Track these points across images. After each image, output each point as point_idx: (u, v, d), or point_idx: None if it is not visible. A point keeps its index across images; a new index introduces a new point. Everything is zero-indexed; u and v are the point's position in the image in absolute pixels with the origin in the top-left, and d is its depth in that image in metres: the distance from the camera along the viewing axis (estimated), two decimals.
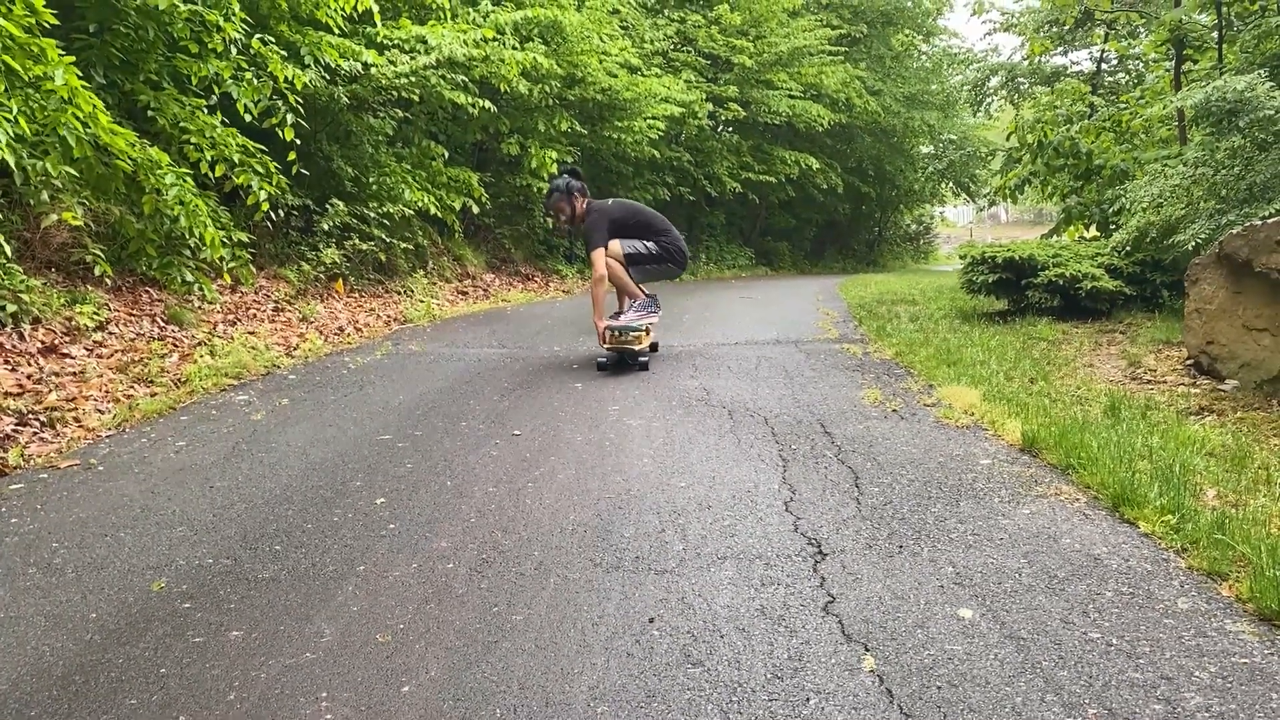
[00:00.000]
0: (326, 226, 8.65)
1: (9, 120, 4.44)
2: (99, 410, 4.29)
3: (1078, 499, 2.84)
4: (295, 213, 8.52)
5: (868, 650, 1.94)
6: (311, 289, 8.18)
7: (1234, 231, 4.31)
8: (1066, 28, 14.18)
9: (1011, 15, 16.30)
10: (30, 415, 4.07)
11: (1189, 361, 4.73)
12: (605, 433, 3.85)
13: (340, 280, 8.60)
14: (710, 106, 16.07)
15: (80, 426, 4.07)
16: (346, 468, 3.39)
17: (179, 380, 4.88)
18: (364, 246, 8.83)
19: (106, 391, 4.54)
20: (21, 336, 4.83)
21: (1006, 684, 1.78)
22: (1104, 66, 16.41)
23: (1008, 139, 9.91)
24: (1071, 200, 9.21)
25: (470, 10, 11.03)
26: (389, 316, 8.30)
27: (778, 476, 3.16)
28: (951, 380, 4.58)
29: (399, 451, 3.61)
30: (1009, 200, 10.27)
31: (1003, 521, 2.67)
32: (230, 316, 6.57)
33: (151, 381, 4.78)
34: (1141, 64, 13.61)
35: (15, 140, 4.57)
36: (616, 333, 5.31)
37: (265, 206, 6.74)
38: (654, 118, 13.85)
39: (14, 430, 3.89)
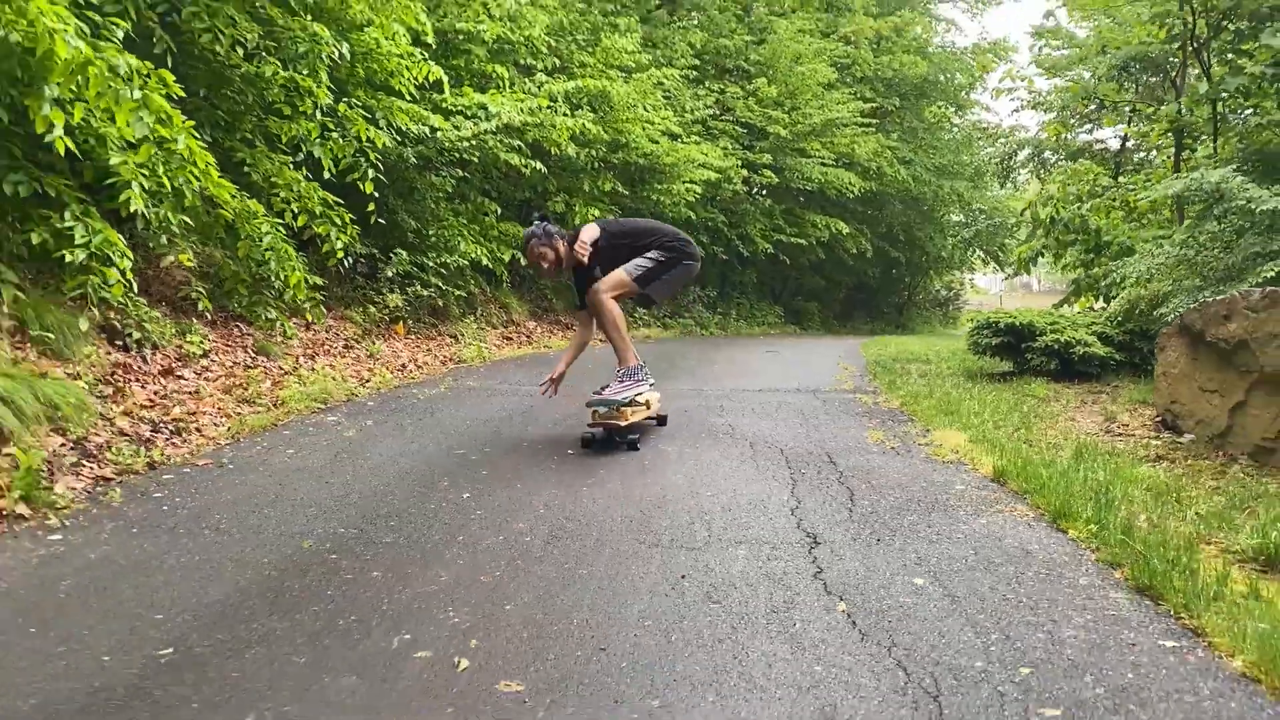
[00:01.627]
0: (391, 274, 9.55)
1: (145, 176, 5.35)
2: (214, 423, 5.11)
3: (1027, 514, 3.55)
4: (362, 260, 9.42)
5: (841, 600, 2.66)
6: (375, 330, 9.04)
7: (1192, 306, 5.04)
8: (1091, 107, 14.99)
9: (1038, 94, 17.20)
10: (160, 424, 4.89)
11: (1157, 418, 5.43)
12: (644, 455, 4.61)
13: (401, 323, 9.47)
14: (745, 172, 16.99)
15: (202, 435, 4.88)
16: (433, 473, 4.17)
17: (276, 402, 5.70)
18: (424, 293, 9.72)
19: (218, 408, 5.36)
20: (145, 360, 5.68)
21: (938, 621, 2.50)
22: (1129, 144, 17.20)
23: (1022, 214, 10.68)
24: (1080, 273, 9.94)
25: (526, 80, 12.03)
26: (445, 357, 9.14)
27: (787, 491, 3.89)
28: (946, 426, 5.31)
29: (474, 462, 4.38)
30: (1025, 271, 11.01)
31: (962, 527, 3.39)
32: (309, 351, 7.41)
33: (253, 402, 5.60)
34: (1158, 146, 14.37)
35: (145, 192, 5.47)
36: (600, 408, 4.79)
37: (341, 254, 7.65)
38: (692, 181, 14.76)
39: (151, 435, 4.70)
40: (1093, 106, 12.30)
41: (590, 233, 4.79)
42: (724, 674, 2.19)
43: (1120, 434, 5.28)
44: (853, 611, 2.57)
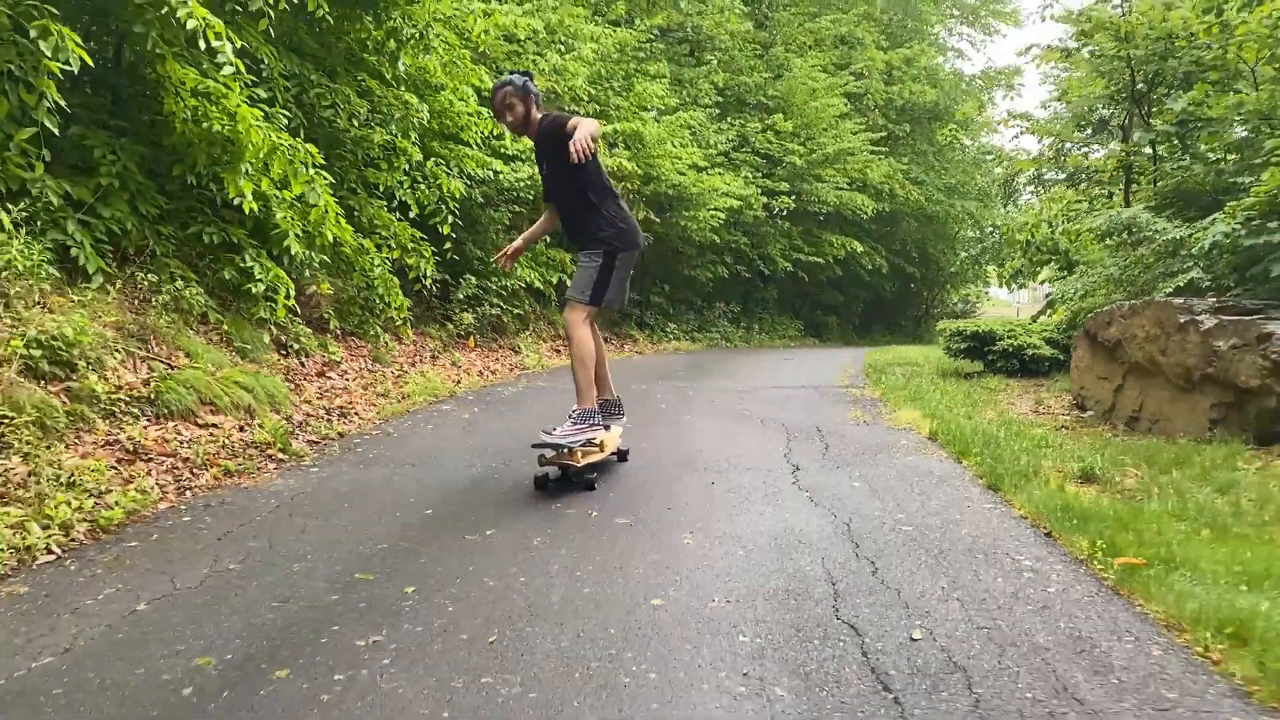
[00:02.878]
0: (462, 296, 11.51)
1: (301, 231, 7.33)
2: (365, 410, 7.04)
3: (941, 455, 5.40)
4: (437, 285, 11.38)
5: (807, 491, 4.52)
6: (451, 343, 10.98)
7: (1090, 315, 6.86)
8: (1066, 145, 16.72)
9: (1036, 121, 18.98)
10: (330, 410, 6.82)
11: (1073, 402, 7.25)
12: (682, 428, 6.49)
13: (471, 338, 11.41)
14: (765, 199, 18.90)
15: (360, 418, 6.80)
16: (534, 436, 6.05)
17: (402, 396, 7.63)
18: (491, 312, 11.67)
19: (364, 400, 7.30)
20: (303, 364, 7.63)
21: (861, 499, 4.35)
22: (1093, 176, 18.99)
23: (1001, 238, 12.49)
24: (1056, 287, 11.75)
25: None
26: (511, 365, 11.07)
27: (784, 446, 5.75)
28: (909, 408, 7.15)
29: None
30: (1008, 288, 12.81)
31: (895, 461, 5.24)
32: (409, 360, 9.36)
33: (386, 395, 7.54)
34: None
35: (299, 237, 7.43)
36: (546, 452, 4.72)
37: (429, 280, 9.63)
38: (715, 209, 16.68)
39: (327, 416, 6.63)
40: (1067, 145, 14.09)
41: (593, 127, 4.28)
42: (738, 516, 4.05)
43: (1044, 413, 7.11)
44: (813, 496, 4.43)
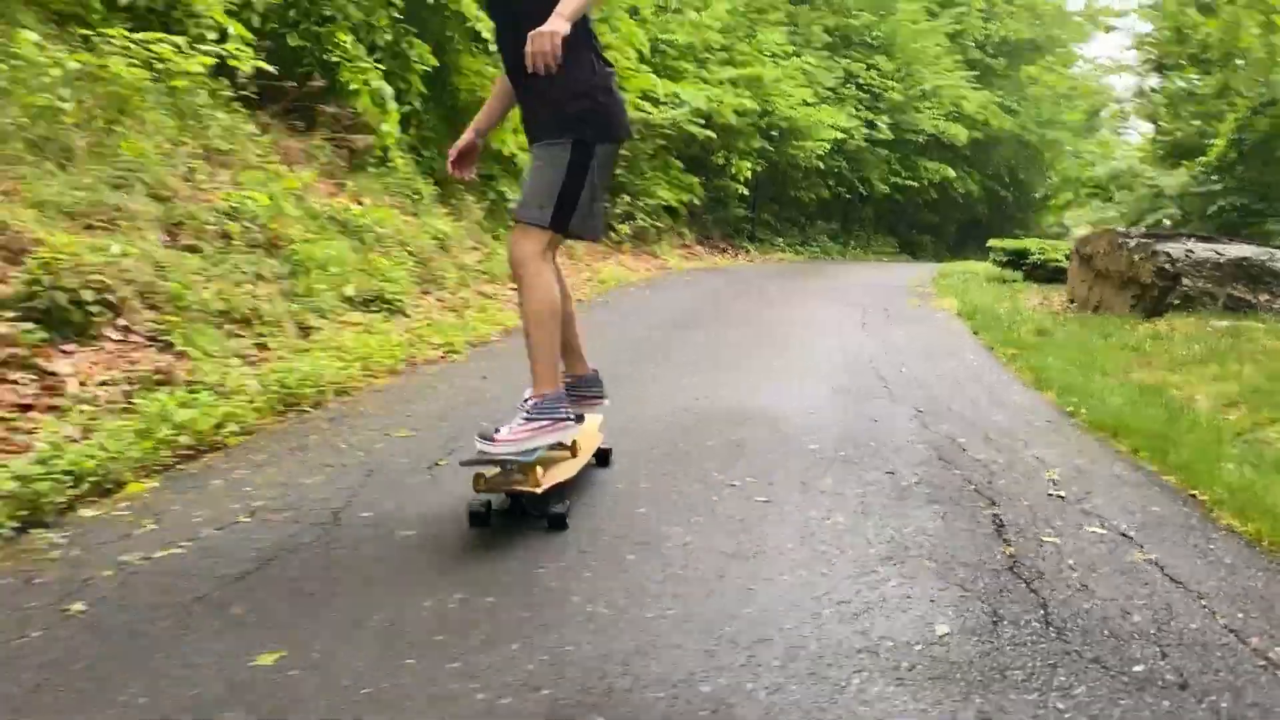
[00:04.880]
0: (618, 212, 15.23)
1: None
2: (584, 288, 10.83)
3: (960, 324, 8.93)
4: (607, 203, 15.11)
5: (868, 335, 8.16)
6: (613, 250, 14.74)
7: (1078, 238, 10.26)
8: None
9: (1118, 62, 21.64)
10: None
11: (1069, 299, 10.67)
12: (790, 304, 10.13)
13: (625, 244, 15.16)
14: (866, 130, 22.09)
15: (584, 292, 10.60)
16: (700, 308, 9.77)
17: (602, 281, 11.41)
18: (641, 224, 15.41)
19: (583, 282, 11.09)
20: None
21: (902, 338, 7.95)
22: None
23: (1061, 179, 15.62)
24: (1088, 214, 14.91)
25: (703, 70, 17.46)
26: (655, 266, 14.81)
27: (859, 315, 9.35)
28: (949, 297, 10.66)
29: (714, 306, 9.98)
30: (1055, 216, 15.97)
31: (927, 322, 8.81)
32: (593, 261, 13.15)
33: (592, 280, 11.32)
34: None
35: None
36: (485, 471, 3.06)
37: None
38: (822, 139, 19.99)
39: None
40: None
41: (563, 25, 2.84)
42: (830, 340, 7.71)
43: (1044, 304, 10.57)
44: (871, 336, 8.05)
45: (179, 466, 3.57)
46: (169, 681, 2.03)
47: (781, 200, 21.97)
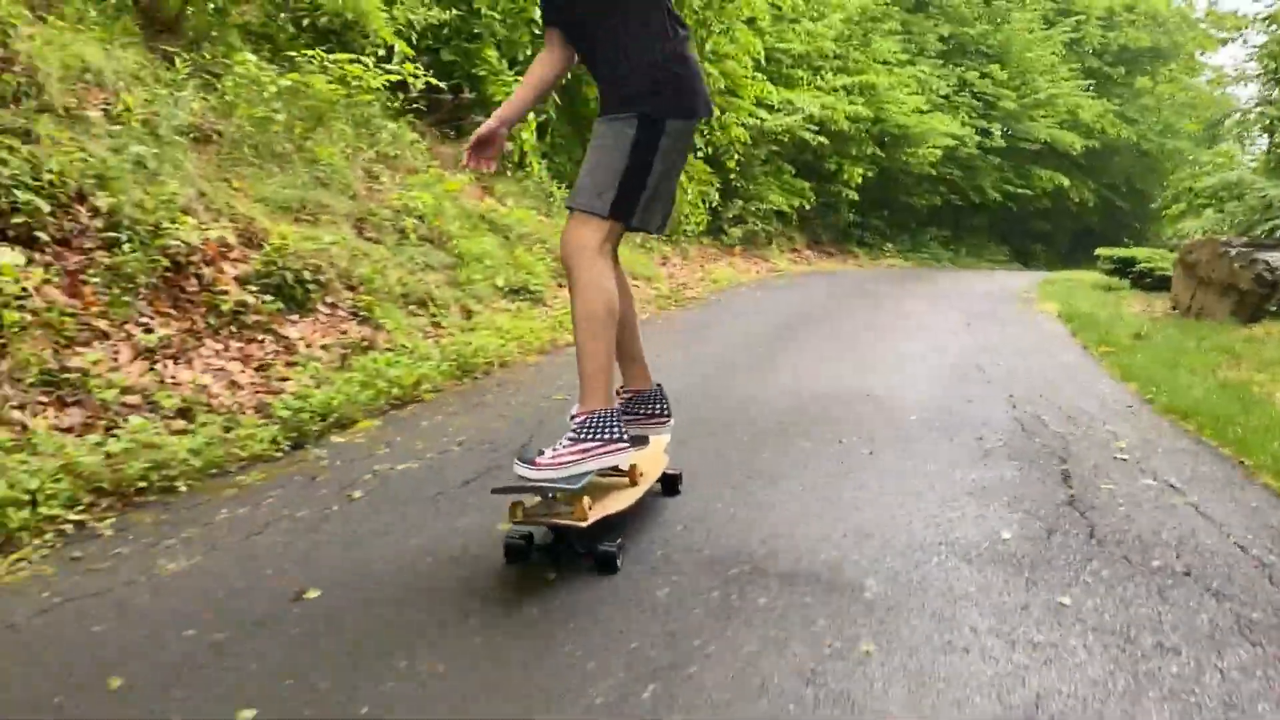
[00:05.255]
0: (730, 215, 15.98)
1: None
2: (697, 287, 11.61)
3: (1060, 326, 9.42)
4: (719, 207, 15.89)
5: (971, 335, 8.74)
6: (724, 252, 15.48)
7: (1182, 246, 10.61)
8: None
9: (1242, 71, 21.49)
10: (680, 287, 11.44)
11: (1171, 305, 11.01)
12: (899, 306, 10.73)
13: (737, 248, 15.90)
14: (979, 138, 22.36)
15: (695, 291, 11.38)
16: (809, 307, 10.46)
17: (713, 280, 12.18)
18: (752, 229, 16.13)
19: (696, 281, 11.87)
20: (663, 261, 12.28)
21: (1001, 337, 8.52)
22: None
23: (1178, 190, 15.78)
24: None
25: (817, 77, 18.08)
26: (765, 269, 15.51)
27: (964, 317, 9.90)
28: (1052, 302, 11.11)
29: (823, 306, 10.65)
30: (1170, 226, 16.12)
31: (1028, 324, 9.34)
32: (705, 260, 13.93)
33: (705, 280, 12.09)
34: None
35: None
36: (523, 499, 2.72)
37: (714, 201, 14.13)
38: (934, 146, 20.38)
39: (682, 288, 11.25)
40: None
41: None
42: (937, 339, 8.32)
43: (1147, 310, 10.94)
44: (974, 336, 8.63)
45: (392, 412, 4.49)
46: (435, 536, 2.90)
47: (892, 206, 22.38)
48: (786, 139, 16.72)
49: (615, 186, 2.73)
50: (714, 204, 14.65)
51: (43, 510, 2.85)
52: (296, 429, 3.86)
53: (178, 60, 6.01)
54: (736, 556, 2.80)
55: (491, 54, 9.77)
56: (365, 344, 5.13)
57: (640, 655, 2.20)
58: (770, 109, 16.34)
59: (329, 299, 5.46)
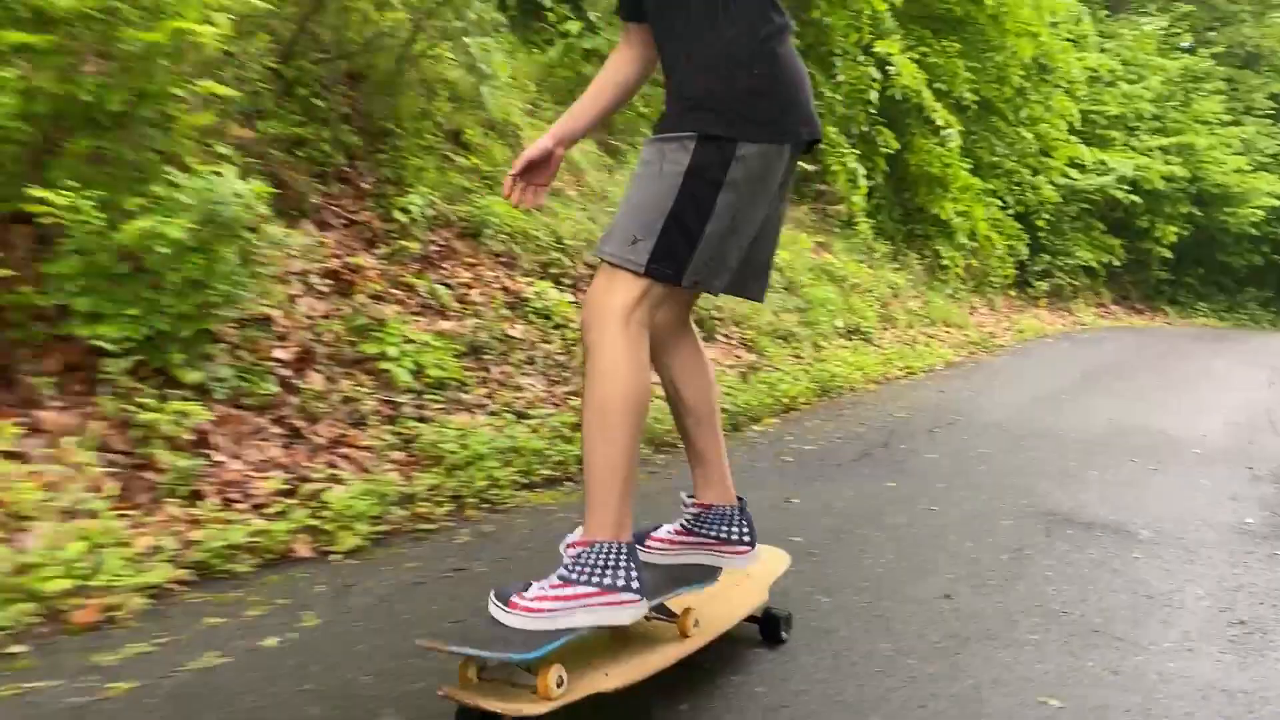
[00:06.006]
0: (1037, 268, 16.85)
1: (968, 231, 13.24)
2: (1003, 336, 12.74)
3: None
4: (1026, 261, 16.82)
5: (1275, 393, 9.42)
6: (1029, 304, 16.37)
7: None
8: None
9: None
10: (991, 334, 12.63)
11: None
12: (1200, 364, 11.39)
13: (1042, 300, 16.74)
14: None
15: (1003, 339, 12.52)
16: (1114, 358, 11.35)
17: (1019, 330, 13.24)
18: (1059, 282, 16.94)
19: (1001, 330, 12.99)
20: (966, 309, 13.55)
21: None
22: None
23: None
24: None
25: (1131, 137, 18.58)
26: (1069, 321, 16.26)
27: (1267, 378, 10.46)
28: None
29: (1128, 357, 11.50)
30: None
31: None
32: (1007, 312, 14.93)
33: (1010, 330, 13.17)
34: None
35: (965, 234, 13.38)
36: (479, 656, 1.88)
37: (1023, 255, 15.15)
38: (1257, 207, 20.15)
39: (991, 335, 12.44)
40: None
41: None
42: (1236, 393, 9.12)
43: None
44: (1275, 390, 9.31)
45: (786, 414, 6.24)
46: (851, 489, 4.57)
47: (1207, 264, 22.12)
48: (1098, 198, 17.38)
49: (657, 233, 2.01)
50: (1022, 259, 15.65)
51: None
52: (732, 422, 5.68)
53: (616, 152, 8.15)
54: (1055, 513, 4.28)
55: (830, 129, 11.51)
56: (756, 365, 6.93)
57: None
58: (1082, 169, 17.09)
59: (722, 331, 7.32)
